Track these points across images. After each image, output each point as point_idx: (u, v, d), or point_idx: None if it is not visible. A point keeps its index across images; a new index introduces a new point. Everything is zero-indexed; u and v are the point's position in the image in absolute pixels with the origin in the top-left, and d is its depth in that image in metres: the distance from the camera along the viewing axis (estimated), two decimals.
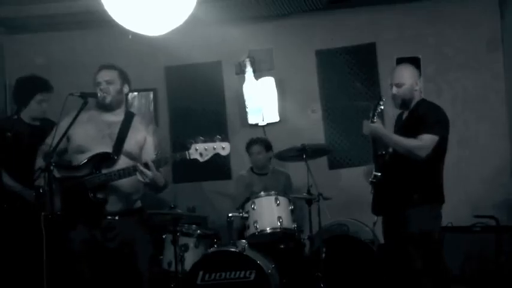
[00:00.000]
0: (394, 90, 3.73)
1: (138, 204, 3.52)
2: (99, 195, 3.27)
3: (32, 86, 4.21)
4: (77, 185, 3.26)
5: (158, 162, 3.17)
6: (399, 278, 3.86)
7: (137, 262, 3.38)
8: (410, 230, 3.58)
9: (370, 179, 3.77)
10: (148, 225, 3.60)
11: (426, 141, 3.55)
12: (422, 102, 3.77)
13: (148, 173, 3.13)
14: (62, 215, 3.21)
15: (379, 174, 3.73)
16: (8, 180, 4.04)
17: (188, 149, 3.11)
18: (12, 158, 4.04)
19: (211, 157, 3.14)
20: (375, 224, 4.00)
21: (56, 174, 3.25)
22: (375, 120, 3.66)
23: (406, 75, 3.73)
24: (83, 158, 3.32)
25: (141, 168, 3.13)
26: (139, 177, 3.17)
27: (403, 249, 3.62)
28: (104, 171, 3.27)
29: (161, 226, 4.63)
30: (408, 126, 3.73)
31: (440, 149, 3.63)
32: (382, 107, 3.70)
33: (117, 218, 3.33)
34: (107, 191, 3.29)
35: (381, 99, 3.73)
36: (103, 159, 3.30)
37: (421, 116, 3.66)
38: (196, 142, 3.12)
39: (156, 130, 3.60)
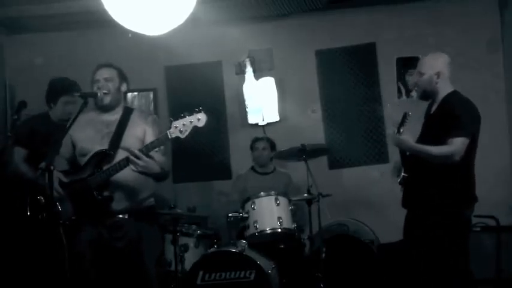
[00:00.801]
0: (416, 78, 3.59)
1: (151, 202, 3.51)
2: (105, 193, 3.27)
3: (59, 88, 4.22)
4: (82, 186, 3.27)
5: (146, 149, 3.14)
6: (404, 277, 3.79)
7: (145, 261, 3.36)
8: (437, 236, 3.41)
9: (399, 180, 3.64)
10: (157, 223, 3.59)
11: (458, 145, 3.33)
12: (453, 95, 3.54)
13: (138, 161, 3.11)
14: (76, 219, 3.25)
15: (407, 175, 3.60)
16: (23, 167, 4.03)
17: (169, 128, 3.06)
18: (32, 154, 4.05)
19: (191, 132, 3.03)
20: None
21: (64, 179, 3.29)
22: (402, 132, 3.50)
23: (427, 64, 3.53)
24: (86, 160, 3.35)
25: (131, 157, 3.12)
26: (131, 167, 3.16)
27: (424, 251, 3.48)
28: (105, 168, 3.27)
29: (161, 226, 4.63)
30: (436, 118, 3.54)
31: (469, 147, 3.41)
32: (408, 121, 3.52)
33: (126, 217, 3.33)
34: (112, 188, 3.29)
35: (407, 114, 3.54)
36: (103, 158, 3.31)
37: (451, 113, 3.42)
38: (175, 119, 3.05)
39: (156, 120, 3.56)
